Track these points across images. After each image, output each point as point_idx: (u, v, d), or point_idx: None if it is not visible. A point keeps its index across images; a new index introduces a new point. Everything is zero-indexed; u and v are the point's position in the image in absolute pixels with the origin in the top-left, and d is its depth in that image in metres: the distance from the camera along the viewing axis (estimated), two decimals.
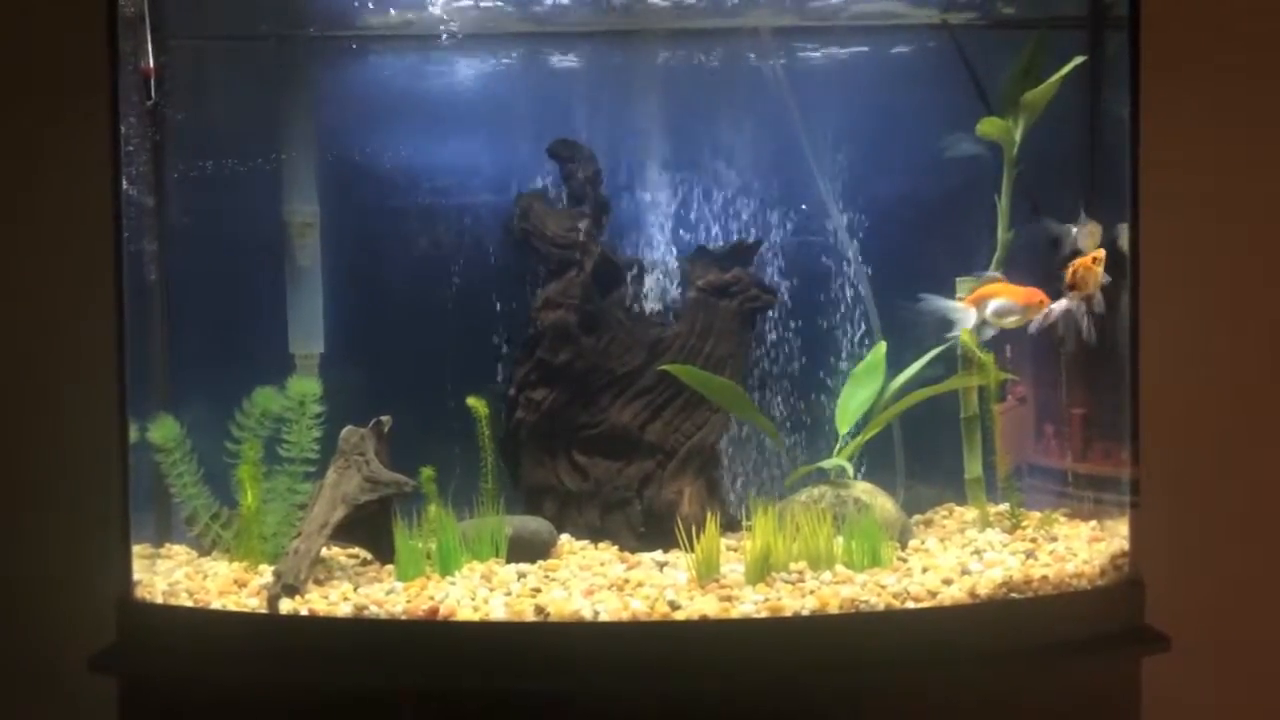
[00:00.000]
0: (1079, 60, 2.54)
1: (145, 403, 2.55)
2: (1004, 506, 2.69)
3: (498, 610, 2.20)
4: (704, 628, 2.16)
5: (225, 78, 2.78)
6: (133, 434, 2.43)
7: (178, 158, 2.66)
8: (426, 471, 2.52)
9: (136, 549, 2.42)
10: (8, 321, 2.90)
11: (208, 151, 2.70)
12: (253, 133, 2.75)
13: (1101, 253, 2.45)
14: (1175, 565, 2.52)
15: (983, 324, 2.50)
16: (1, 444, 2.89)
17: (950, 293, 2.68)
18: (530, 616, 2.18)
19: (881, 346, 2.77)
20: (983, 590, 2.28)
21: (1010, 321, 2.48)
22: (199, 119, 2.69)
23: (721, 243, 2.79)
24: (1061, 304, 2.49)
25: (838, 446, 2.71)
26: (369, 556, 2.52)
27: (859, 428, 2.72)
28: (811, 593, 2.24)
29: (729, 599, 2.23)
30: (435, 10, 2.69)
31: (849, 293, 2.83)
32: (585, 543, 2.67)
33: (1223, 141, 2.91)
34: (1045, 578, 2.32)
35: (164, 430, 2.55)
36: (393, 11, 2.71)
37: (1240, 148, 2.92)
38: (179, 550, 2.65)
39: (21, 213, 2.89)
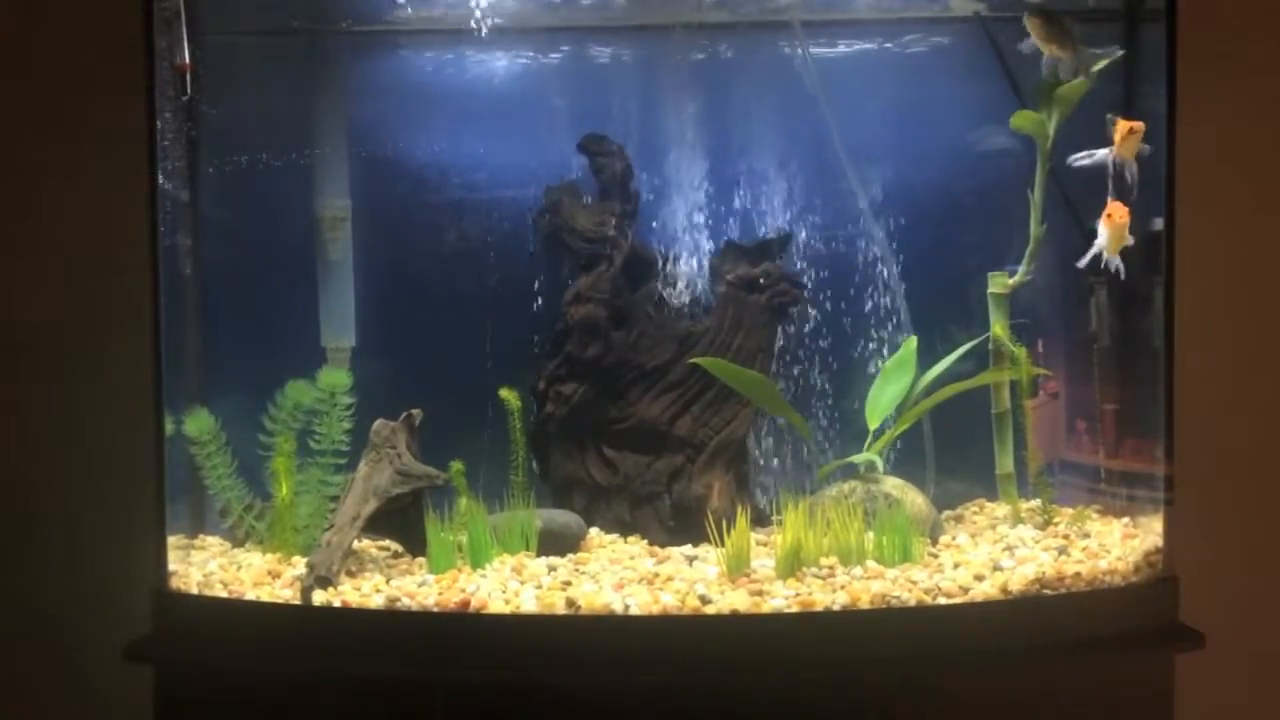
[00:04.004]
0: (1118, 53, 2.51)
1: (180, 396, 2.58)
2: (1036, 502, 2.67)
3: (529, 603, 2.21)
4: (735, 622, 2.16)
5: (259, 73, 2.79)
6: (168, 427, 2.46)
7: (212, 152, 2.69)
8: (457, 464, 2.53)
9: (171, 540, 2.45)
10: (45, 315, 2.93)
11: (241, 146, 2.72)
12: (285, 127, 2.77)
13: (1140, 125, 2.42)
14: (1209, 562, 2.50)
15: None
16: (39, 437, 2.93)
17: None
18: (561, 609, 2.19)
19: (912, 341, 2.76)
20: (1015, 586, 2.27)
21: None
22: (233, 114, 2.71)
23: (752, 237, 2.79)
24: (1102, 152, 2.45)
25: (868, 441, 2.70)
26: (400, 549, 2.54)
27: (889, 423, 2.71)
28: (842, 588, 2.24)
29: (760, 593, 2.23)
30: (468, 5, 2.70)
31: (880, 287, 2.82)
32: (614, 536, 2.67)
33: (1259, 134, 2.88)
34: (1078, 574, 2.31)
35: (198, 423, 2.58)
36: (425, 7, 2.72)
37: (1277, 140, 2.89)
38: (213, 541, 2.68)
39: (59, 207, 2.92)
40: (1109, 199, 2.46)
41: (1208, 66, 2.64)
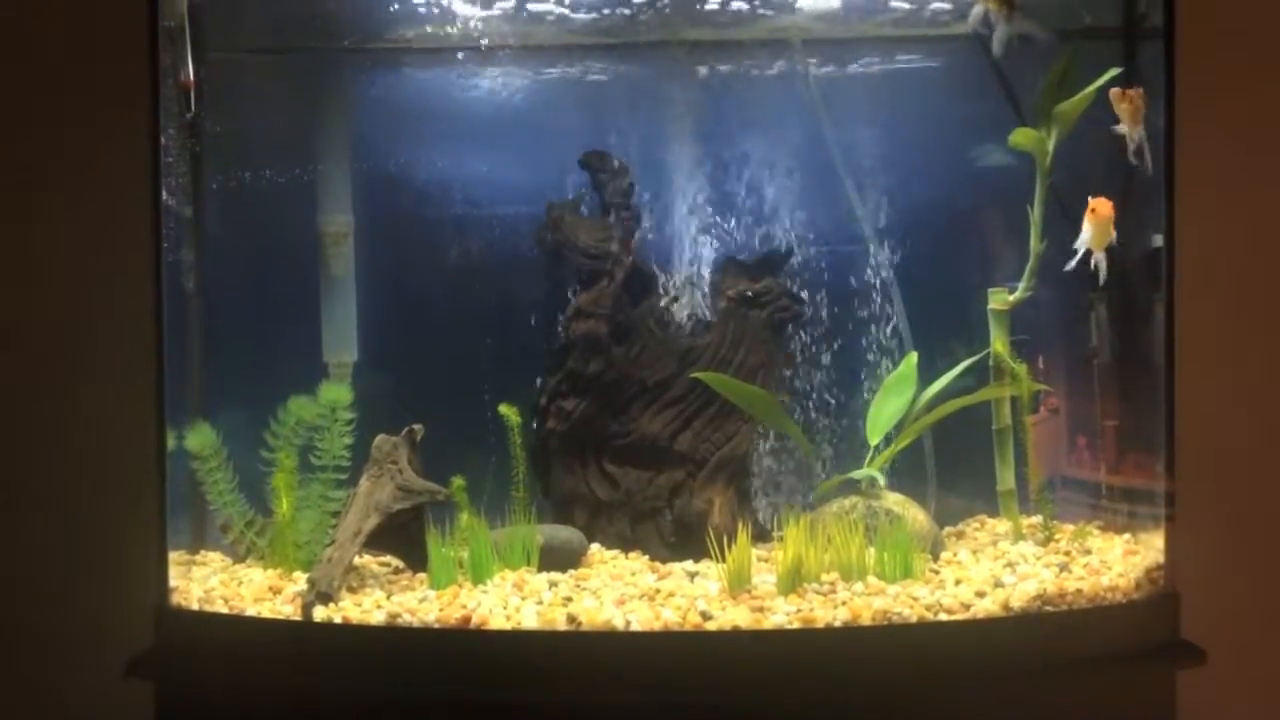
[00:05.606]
0: (1114, 72, 2.52)
1: (182, 410, 2.58)
2: (1037, 519, 2.67)
3: (530, 619, 2.21)
4: (736, 638, 2.16)
5: (262, 90, 2.81)
6: (170, 442, 2.46)
7: (215, 168, 2.70)
8: (458, 480, 2.53)
9: (173, 555, 2.45)
10: (49, 330, 2.94)
11: (244, 162, 2.73)
12: (288, 144, 2.79)
13: (1116, 90, 2.45)
14: (1211, 578, 2.49)
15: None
16: (40, 451, 2.93)
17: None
18: (562, 626, 2.19)
19: (913, 357, 2.76)
20: (1016, 603, 2.26)
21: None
22: (236, 130, 2.72)
23: (752, 253, 2.80)
24: (1123, 127, 2.47)
25: (869, 457, 2.71)
26: (401, 564, 2.53)
27: (890, 439, 2.71)
28: (844, 604, 2.24)
29: (761, 609, 2.23)
30: (469, 23, 2.71)
31: (881, 303, 2.83)
32: (616, 552, 2.67)
33: (1258, 150, 2.89)
34: (1079, 591, 2.31)
35: (200, 438, 2.58)
36: (427, 25, 2.74)
37: (1276, 157, 2.90)
38: (214, 557, 2.68)
39: (63, 223, 2.93)
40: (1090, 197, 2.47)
41: (1207, 82, 2.65)
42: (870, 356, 2.81)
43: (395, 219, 2.84)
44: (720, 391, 2.65)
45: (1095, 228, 2.45)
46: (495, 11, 2.69)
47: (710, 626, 2.18)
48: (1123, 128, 2.46)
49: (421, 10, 2.71)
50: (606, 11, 2.71)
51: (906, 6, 2.72)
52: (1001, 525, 2.77)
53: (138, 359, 2.46)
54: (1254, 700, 2.86)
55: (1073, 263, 2.50)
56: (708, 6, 2.70)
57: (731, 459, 2.71)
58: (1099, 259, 2.48)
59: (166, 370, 2.44)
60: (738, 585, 2.31)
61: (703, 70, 2.82)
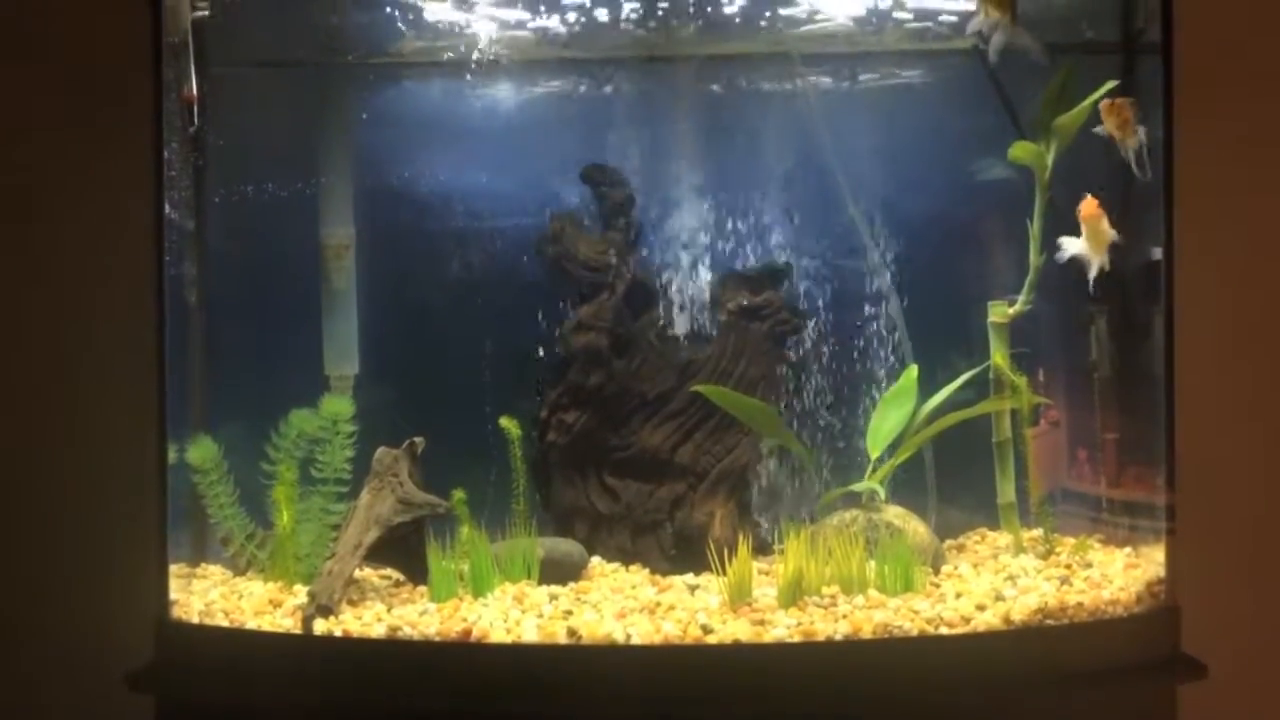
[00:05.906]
0: (1111, 84, 2.53)
1: (183, 424, 2.59)
2: (1037, 532, 2.67)
3: (530, 632, 2.21)
4: (737, 652, 2.16)
5: (265, 104, 2.82)
6: (171, 455, 2.46)
7: (218, 182, 2.71)
8: (459, 493, 2.53)
9: (173, 569, 2.45)
10: (50, 342, 2.95)
11: (247, 175, 2.74)
12: (290, 157, 2.80)
13: (1108, 101, 2.45)
14: (1212, 592, 2.49)
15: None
16: (41, 464, 2.94)
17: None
18: (562, 639, 2.19)
19: (913, 370, 2.77)
20: (1017, 616, 2.26)
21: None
22: (239, 144, 2.73)
23: (752, 265, 2.81)
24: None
25: (869, 470, 2.71)
26: (401, 578, 2.53)
27: (890, 452, 2.71)
28: (844, 617, 2.24)
29: (761, 623, 2.22)
30: (471, 37, 2.73)
31: (881, 316, 2.83)
32: (616, 565, 2.67)
33: (1257, 163, 2.90)
34: (1080, 604, 2.31)
35: (202, 451, 2.58)
36: (429, 39, 2.75)
37: (1275, 170, 2.91)
38: (214, 570, 2.67)
39: (65, 235, 2.94)
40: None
41: (1205, 95, 2.67)
42: (870, 369, 2.82)
43: (397, 232, 2.84)
44: (720, 404, 2.66)
45: (1088, 227, 2.46)
46: (497, 26, 2.71)
47: (711, 640, 2.18)
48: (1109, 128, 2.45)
49: (423, 24, 2.72)
50: (611, 22, 2.73)
51: (910, 17, 2.73)
52: (1002, 538, 2.77)
53: (139, 371, 2.47)
54: (1255, 714, 2.86)
55: (1064, 254, 2.49)
56: (714, 9, 2.71)
57: (732, 471, 2.71)
58: (1092, 264, 2.49)
59: (168, 383, 2.45)
60: (738, 598, 2.31)
61: (709, 85, 2.83)
